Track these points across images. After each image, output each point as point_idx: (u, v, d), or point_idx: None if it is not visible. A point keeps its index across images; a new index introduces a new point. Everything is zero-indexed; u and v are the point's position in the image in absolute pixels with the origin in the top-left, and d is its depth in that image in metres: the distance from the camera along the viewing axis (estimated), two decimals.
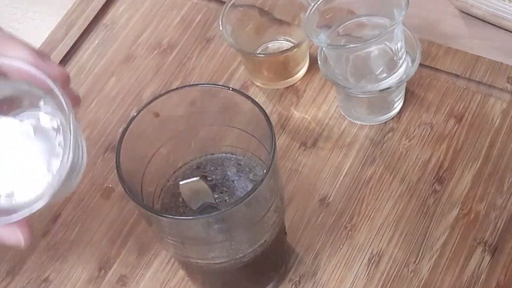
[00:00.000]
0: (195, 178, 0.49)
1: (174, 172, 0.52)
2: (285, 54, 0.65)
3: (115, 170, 0.44)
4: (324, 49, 0.61)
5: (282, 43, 0.69)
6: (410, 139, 0.64)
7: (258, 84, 0.69)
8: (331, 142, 0.64)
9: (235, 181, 0.51)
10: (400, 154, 0.63)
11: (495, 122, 0.64)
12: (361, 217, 0.60)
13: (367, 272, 0.57)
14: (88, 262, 0.61)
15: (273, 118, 0.66)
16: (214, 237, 0.46)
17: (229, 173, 0.52)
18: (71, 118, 0.40)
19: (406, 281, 0.57)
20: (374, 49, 0.61)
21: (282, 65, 0.67)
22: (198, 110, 0.49)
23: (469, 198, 0.60)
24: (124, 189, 0.44)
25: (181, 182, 0.48)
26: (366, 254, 0.58)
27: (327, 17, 0.61)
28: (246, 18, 0.67)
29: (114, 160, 0.44)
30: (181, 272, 0.59)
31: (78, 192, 0.64)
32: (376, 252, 0.58)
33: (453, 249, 0.58)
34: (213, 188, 0.51)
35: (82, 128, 0.69)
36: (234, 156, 0.52)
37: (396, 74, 0.61)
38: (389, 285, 0.57)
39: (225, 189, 0.51)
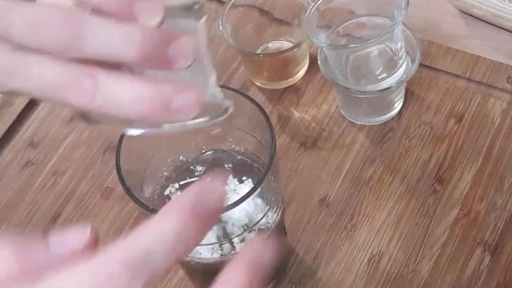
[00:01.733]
0: (195, 178, 0.49)
1: (174, 172, 0.52)
2: (285, 54, 0.65)
3: (115, 170, 0.44)
4: (324, 49, 0.61)
5: (282, 43, 0.69)
6: (410, 139, 0.64)
7: (258, 84, 0.69)
8: (331, 142, 0.64)
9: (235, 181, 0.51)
10: (400, 154, 0.63)
11: (495, 122, 0.64)
12: (361, 217, 0.60)
13: (367, 272, 0.57)
14: None
15: (273, 118, 0.66)
16: (214, 237, 0.46)
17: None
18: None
19: (406, 281, 0.57)
20: (374, 49, 0.61)
21: (282, 65, 0.67)
22: None
23: (469, 198, 0.60)
24: (124, 189, 0.44)
25: (181, 182, 0.48)
26: (366, 254, 0.58)
27: (327, 17, 0.61)
28: (246, 18, 0.67)
29: (114, 160, 0.44)
30: (181, 272, 0.59)
31: (78, 192, 0.64)
32: (376, 252, 0.58)
33: (453, 249, 0.58)
34: None
35: (83, 128, 0.69)
36: (234, 156, 0.52)
37: (396, 74, 0.61)
38: (389, 285, 0.57)
39: None
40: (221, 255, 0.47)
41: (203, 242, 0.45)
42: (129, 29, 0.33)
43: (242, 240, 0.47)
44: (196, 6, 0.35)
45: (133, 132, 0.37)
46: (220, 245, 0.47)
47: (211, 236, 0.46)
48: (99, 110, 0.33)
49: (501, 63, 0.67)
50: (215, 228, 0.45)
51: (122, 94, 0.33)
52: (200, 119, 0.37)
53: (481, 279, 0.56)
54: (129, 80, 0.33)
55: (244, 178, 0.51)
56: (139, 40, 0.32)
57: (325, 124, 0.66)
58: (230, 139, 0.52)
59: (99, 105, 0.33)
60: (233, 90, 0.47)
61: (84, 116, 0.37)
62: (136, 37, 0.32)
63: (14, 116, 0.70)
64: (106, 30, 0.32)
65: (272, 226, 0.49)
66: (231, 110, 0.37)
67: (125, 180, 0.44)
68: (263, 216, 0.46)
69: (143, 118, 0.34)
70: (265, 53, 0.69)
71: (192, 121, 0.36)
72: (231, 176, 0.51)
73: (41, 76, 0.33)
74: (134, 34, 0.32)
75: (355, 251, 0.59)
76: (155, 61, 0.33)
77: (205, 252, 0.47)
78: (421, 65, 0.63)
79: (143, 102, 0.33)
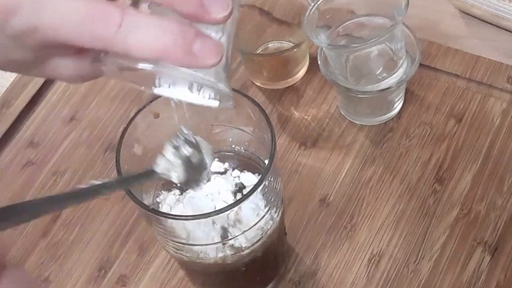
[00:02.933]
0: None
1: None
2: (285, 54, 0.65)
3: (115, 170, 0.44)
4: (324, 49, 0.61)
5: (282, 43, 0.69)
6: (410, 139, 0.64)
7: (258, 84, 0.69)
8: (331, 142, 0.64)
9: None
10: (400, 154, 0.63)
11: (495, 122, 0.64)
12: (361, 217, 0.60)
13: (367, 272, 0.57)
14: (88, 262, 0.61)
15: (273, 118, 0.66)
16: (213, 237, 0.46)
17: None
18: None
19: (406, 281, 0.57)
20: (374, 49, 0.61)
21: (282, 65, 0.67)
22: (198, 110, 0.49)
23: (469, 198, 0.60)
24: (124, 189, 0.44)
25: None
26: (366, 254, 0.58)
27: (327, 17, 0.61)
28: (246, 18, 0.67)
29: (114, 160, 0.44)
30: (181, 272, 0.59)
31: None
32: (376, 252, 0.58)
33: (453, 249, 0.58)
34: None
35: (83, 128, 0.69)
36: (234, 156, 0.52)
37: (396, 74, 0.61)
38: (389, 285, 0.57)
39: None
40: (224, 254, 0.47)
41: (207, 242, 0.45)
42: None
43: (243, 240, 0.47)
44: None
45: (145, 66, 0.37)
46: (223, 245, 0.47)
47: (215, 236, 0.46)
48: (120, 44, 0.34)
49: (501, 63, 0.67)
50: (217, 227, 0.45)
51: (147, 28, 0.34)
52: (211, 100, 0.37)
53: (481, 279, 0.56)
54: (156, 17, 0.34)
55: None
56: None
57: (325, 124, 0.66)
58: (230, 139, 0.52)
59: (122, 37, 0.34)
60: (233, 90, 0.46)
61: (96, 59, 0.37)
62: None
63: (14, 116, 0.70)
64: None
65: (272, 226, 0.49)
66: (232, 104, 0.38)
67: None
68: (263, 216, 0.46)
69: (162, 56, 0.34)
70: (265, 53, 0.69)
71: (203, 100, 0.37)
72: (231, 177, 0.51)
73: (68, 8, 0.35)
74: None
75: (355, 251, 0.59)
76: (189, 5, 0.35)
77: (210, 251, 0.47)
78: (421, 65, 0.63)
79: (166, 37, 0.34)
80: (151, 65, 0.36)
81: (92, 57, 0.38)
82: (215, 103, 0.39)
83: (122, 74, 0.38)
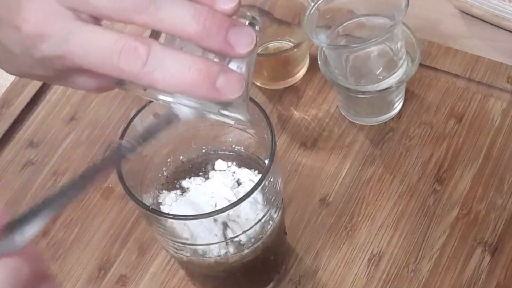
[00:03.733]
0: (195, 178, 0.49)
1: (174, 172, 0.52)
2: (285, 54, 0.65)
3: (115, 170, 0.44)
4: (324, 49, 0.61)
5: (282, 43, 0.69)
6: (410, 139, 0.64)
7: (258, 84, 0.69)
8: (331, 142, 0.64)
9: None
10: (400, 154, 0.63)
11: (495, 122, 0.64)
12: (361, 217, 0.60)
13: (367, 272, 0.57)
14: (88, 262, 0.61)
15: (273, 118, 0.66)
16: (213, 237, 0.46)
17: None
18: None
19: (406, 281, 0.57)
20: (374, 49, 0.61)
21: (282, 65, 0.67)
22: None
23: (469, 198, 0.60)
24: (124, 189, 0.44)
25: (181, 182, 0.48)
26: (366, 254, 0.58)
27: (327, 17, 0.61)
28: None
29: None
30: (181, 272, 0.59)
31: None
32: (376, 252, 0.58)
33: (453, 249, 0.58)
34: None
35: (83, 128, 0.69)
36: (234, 156, 0.52)
37: (396, 74, 0.61)
38: (389, 285, 0.57)
39: None
40: (225, 253, 0.47)
41: (210, 240, 0.46)
42: (199, 6, 0.35)
43: (243, 239, 0.47)
44: (254, 22, 0.38)
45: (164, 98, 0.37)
46: (226, 243, 0.47)
47: (217, 233, 0.46)
48: (146, 79, 0.35)
49: (501, 63, 0.67)
50: (220, 226, 0.45)
51: (173, 64, 0.35)
52: (232, 116, 0.38)
53: (481, 279, 0.56)
54: (181, 52, 0.35)
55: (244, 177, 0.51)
56: (206, 16, 0.35)
57: (325, 124, 0.66)
58: (230, 139, 0.52)
59: (148, 72, 0.35)
60: None
61: (120, 84, 0.38)
62: (204, 13, 0.35)
63: (14, 116, 0.70)
64: (178, 1, 0.35)
65: (272, 226, 0.49)
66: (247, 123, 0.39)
67: (125, 180, 0.44)
68: (263, 216, 0.46)
69: (186, 91, 0.35)
70: (265, 53, 0.69)
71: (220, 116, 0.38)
72: (230, 173, 0.51)
73: (96, 40, 0.35)
74: (202, 10, 0.35)
75: (355, 251, 0.59)
76: (214, 42, 0.35)
77: (213, 249, 0.47)
78: (421, 65, 0.63)
79: (191, 74, 0.35)
80: (172, 99, 0.37)
81: (117, 81, 0.38)
82: (230, 121, 0.40)
83: (145, 93, 0.39)
